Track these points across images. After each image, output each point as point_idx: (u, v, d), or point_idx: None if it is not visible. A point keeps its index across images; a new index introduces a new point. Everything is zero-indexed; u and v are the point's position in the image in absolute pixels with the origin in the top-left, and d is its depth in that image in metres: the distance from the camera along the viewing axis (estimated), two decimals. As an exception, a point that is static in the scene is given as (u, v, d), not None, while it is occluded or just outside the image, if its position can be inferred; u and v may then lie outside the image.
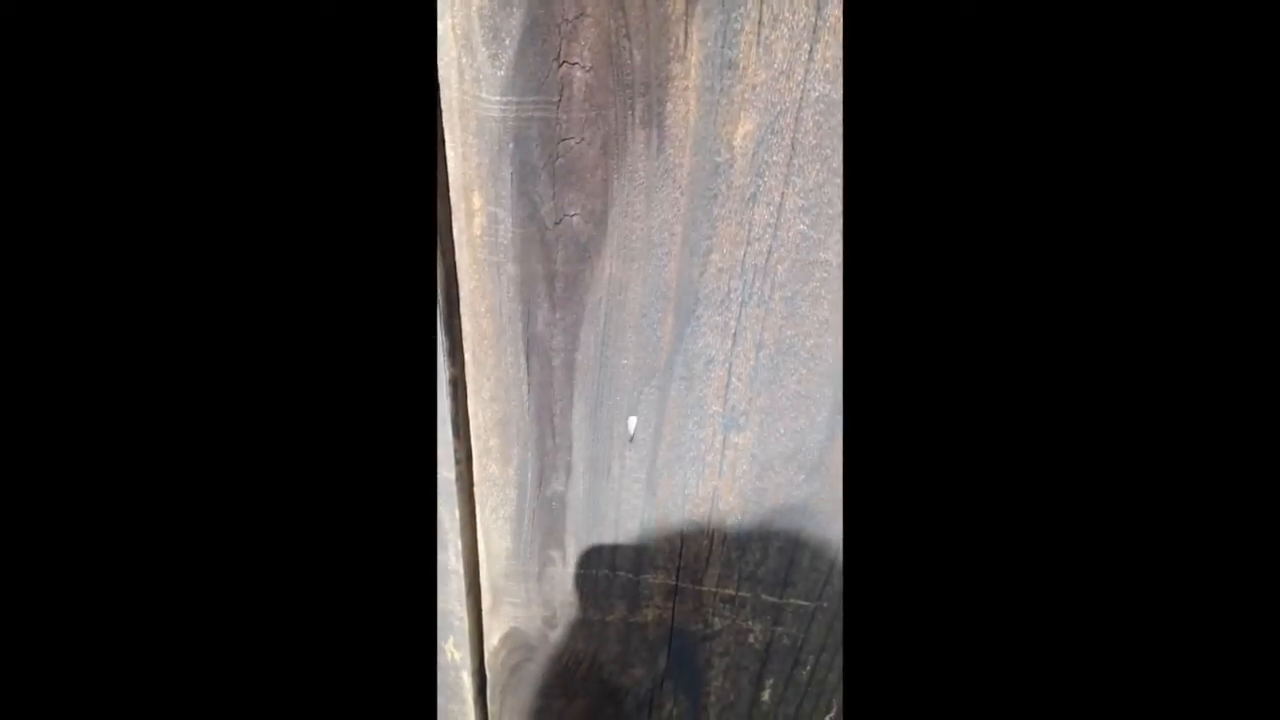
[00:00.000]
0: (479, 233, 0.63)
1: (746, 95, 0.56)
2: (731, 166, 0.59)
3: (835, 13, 0.53)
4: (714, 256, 0.63)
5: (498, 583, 0.84)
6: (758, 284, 0.64)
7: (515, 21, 0.54)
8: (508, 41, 0.55)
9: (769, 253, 0.63)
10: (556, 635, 0.88)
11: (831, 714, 0.89)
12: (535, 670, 0.90)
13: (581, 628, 0.87)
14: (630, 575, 0.83)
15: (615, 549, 0.81)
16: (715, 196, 0.61)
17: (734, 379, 0.70)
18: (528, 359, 0.69)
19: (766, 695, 0.90)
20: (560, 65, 0.56)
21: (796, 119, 0.57)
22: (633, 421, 0.76)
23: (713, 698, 0.91)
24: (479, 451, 0.75)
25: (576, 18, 0.54)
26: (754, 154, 0.59)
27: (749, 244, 0.63)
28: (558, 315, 0.67)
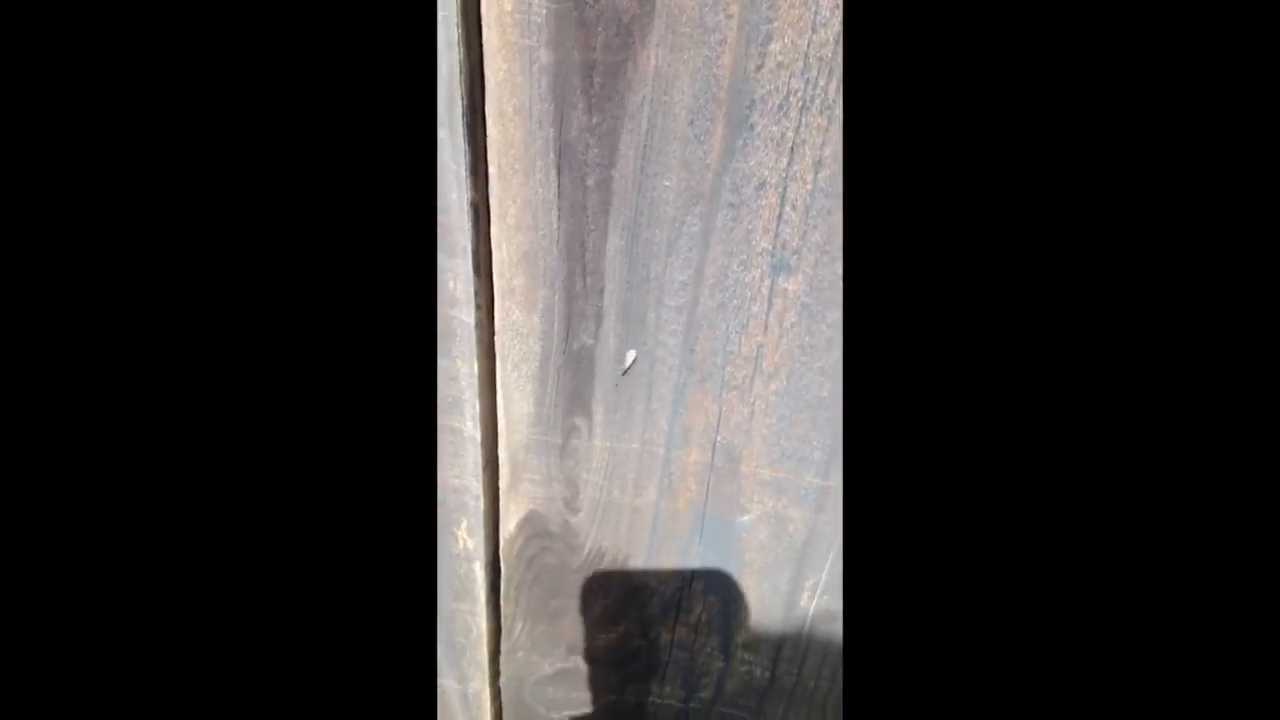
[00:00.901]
0: (510, 8, 0.56)
1: None
2: (799, -78, 0.52)
3: None
4: (774, 46, 0.56)
5: (517, 455, 0.77)
6: (821, 83, 0.57)
7: None
8: None
9: (835, 42, 0.56)
10: (578, 521, 0.80)
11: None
12: (554, 563, 0.83)
13: (606, 513, 0.80)
14: (662, 451, 0.76)
15: (646, 417, 0.74)
16: (778, -36, 0.54)
17: (787, 207, 0.63)
18: (559, 174, 0.62)
19: (805, 598, 0.83)
20: None
21: None
22: (630, 355, 0.69)
23: (748, 598, 0.84)
24: (502, 293, 0.68)
25: None
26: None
27: (814, 30, 0.55)
28: (594, 120, 0.60)
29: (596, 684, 0.91)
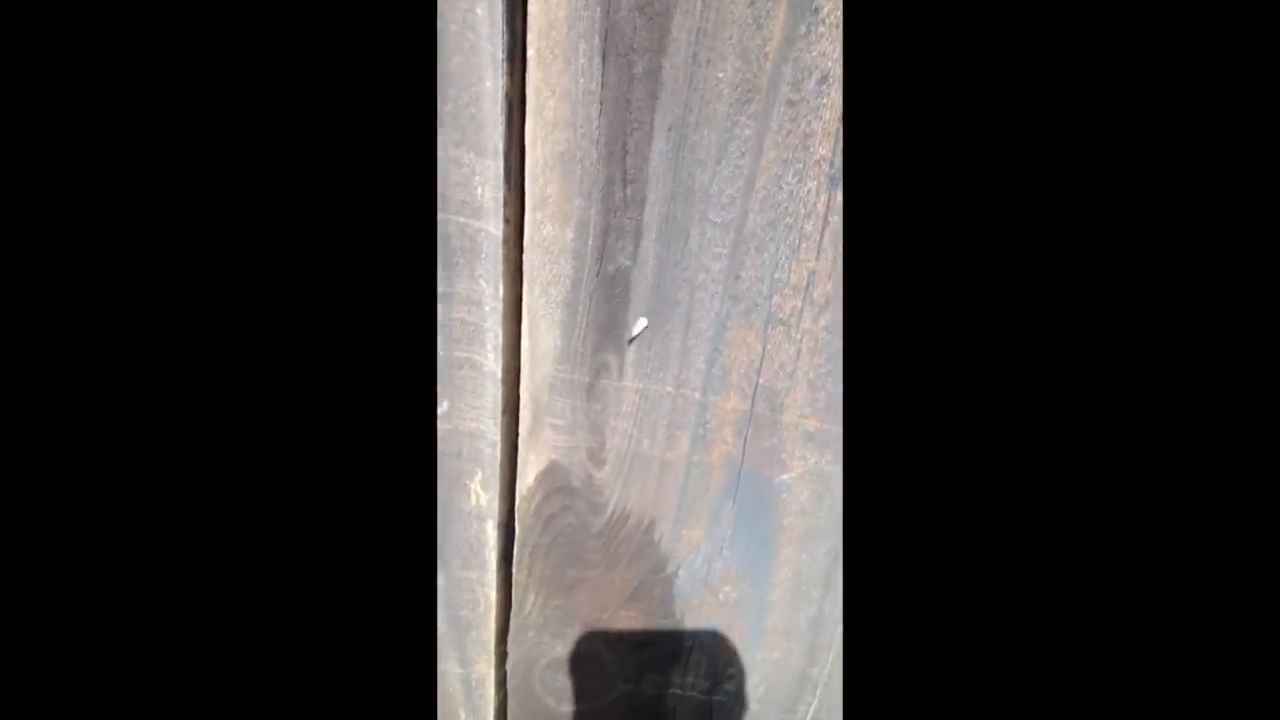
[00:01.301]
0: None
1: None
2: None
3: None
4: (844, -87, 0.52)
5: (540, 396, 0.71)
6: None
7: None
8: None
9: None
10: (603, 476, 0.73)
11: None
12: (573, 525, 0.76)
13: (633, 466, 0.73)
14: (697, 395, 0.69)
15: (683, 355, 0.68)
16: None
17: (850, 107, 0.57)
18: (604, 61, 0.57)
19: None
20: None
21: None
22: (641, 322, 0.64)
23: (782, 574, 0.76)
24: (533, 203, 0.62)
25: None
26: None
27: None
28: (645, -2, 0.55)
29: (612, 671, 0.82)
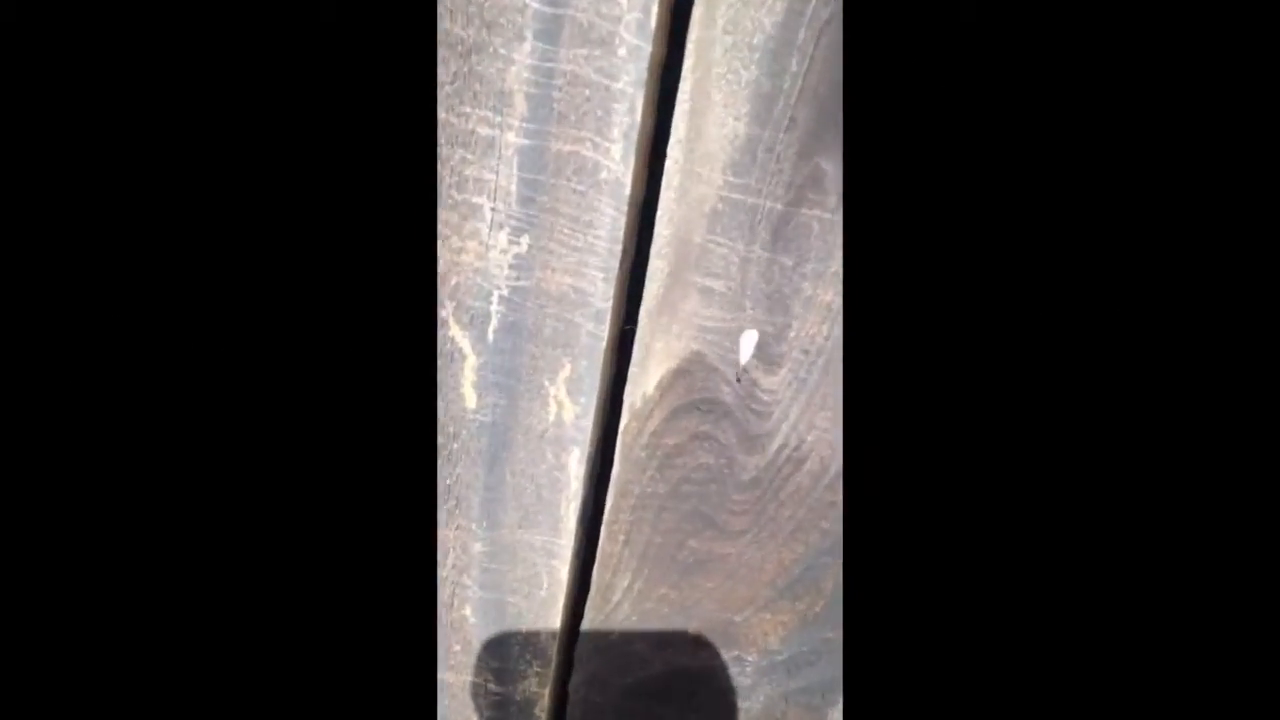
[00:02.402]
0: None
1: None
2: None
3: None
4: None
5: (691, 232, 0.41)
6: None
7: None
8: None
9: None
10: (775, 386, 0.44)
11: None
12: (712, 466, 0.46)
13: (827, 372, 0.43)
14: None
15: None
16: None
17: None
18: None
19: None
20: None
21: None
22: (749, 339, 0.44)
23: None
24: None
25: None
26: None
27: None
28: None
29: (742, 707, 0.53)
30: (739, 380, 0.45)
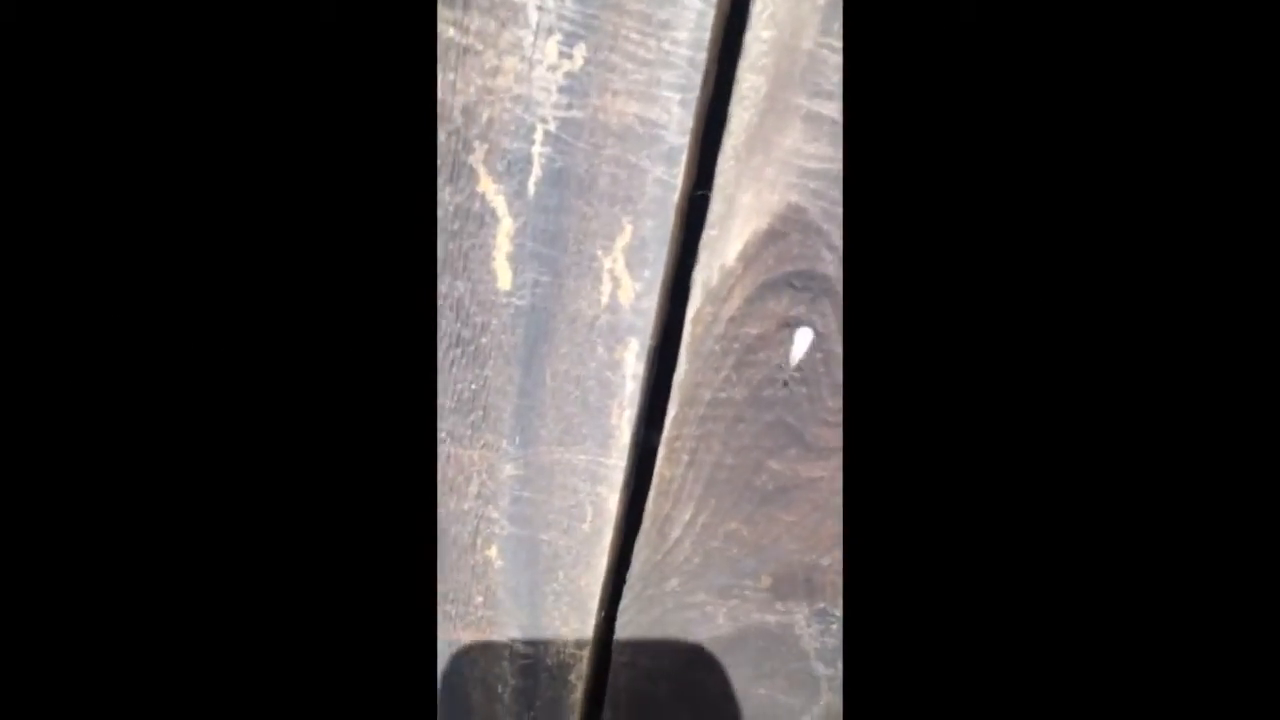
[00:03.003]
0: None
1: None
2: None
3: None
4: None
5: (798, 38, 0.31)
6: None
7: None
8: None
9: None
10: None
11: None
12: (804, 367, 0.37)
13: None
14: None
15: None
16: None
17: None
18: None
19: None
20: None
21: None
22: (804, 336, 0.37)
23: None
24: None
25: None
26: None
27: None
28: None
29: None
30: (785, 385, 0.36)
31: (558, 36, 0.33)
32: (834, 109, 0.33)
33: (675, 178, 0.34)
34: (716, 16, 0.32)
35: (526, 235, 0.36)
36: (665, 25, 0.32)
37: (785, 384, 0.38)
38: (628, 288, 0.36)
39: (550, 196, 0.35)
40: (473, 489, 0.41)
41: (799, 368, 0.37)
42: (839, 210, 0.34)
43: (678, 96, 0.33)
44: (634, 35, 0.32)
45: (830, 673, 0.43)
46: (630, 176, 0.34)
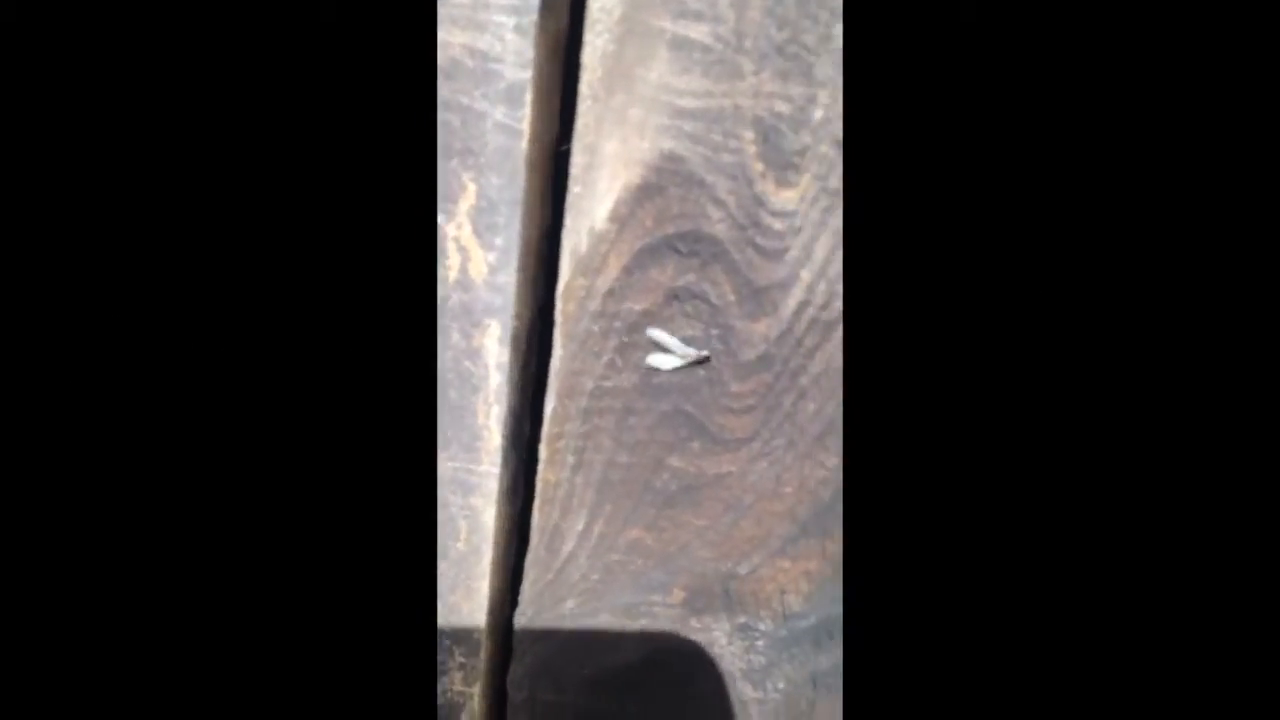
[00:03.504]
0: None
1: None
2: None
3: None
4: None
5: None
6: None
7: None
8: None
9: None
10: (787, 202, 0.28)
11: None
12: (698, 345, 0.31)
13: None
14: None
15: None
16: None
17: None
18: None
19: None
20: None
21: None
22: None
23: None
24: None
25: None
26: None
27: None
28: None
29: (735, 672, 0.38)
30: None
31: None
32: (705, 32, 0.26)
33: (520, 121, 0.28)
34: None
35: (353, 203, 0.30)
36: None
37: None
38: (479, 259, 0.30)
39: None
40: (325, 509, 0.35)
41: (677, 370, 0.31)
42: (726, 158, 0.28)
43: (511, 21, 0.26)
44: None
45: (759, 695, 0.37)
46: (465, 122, 0.28)
